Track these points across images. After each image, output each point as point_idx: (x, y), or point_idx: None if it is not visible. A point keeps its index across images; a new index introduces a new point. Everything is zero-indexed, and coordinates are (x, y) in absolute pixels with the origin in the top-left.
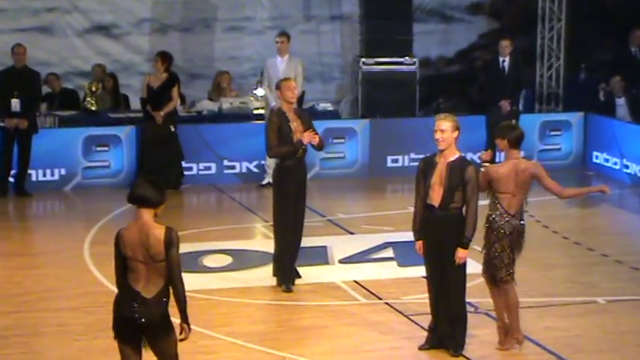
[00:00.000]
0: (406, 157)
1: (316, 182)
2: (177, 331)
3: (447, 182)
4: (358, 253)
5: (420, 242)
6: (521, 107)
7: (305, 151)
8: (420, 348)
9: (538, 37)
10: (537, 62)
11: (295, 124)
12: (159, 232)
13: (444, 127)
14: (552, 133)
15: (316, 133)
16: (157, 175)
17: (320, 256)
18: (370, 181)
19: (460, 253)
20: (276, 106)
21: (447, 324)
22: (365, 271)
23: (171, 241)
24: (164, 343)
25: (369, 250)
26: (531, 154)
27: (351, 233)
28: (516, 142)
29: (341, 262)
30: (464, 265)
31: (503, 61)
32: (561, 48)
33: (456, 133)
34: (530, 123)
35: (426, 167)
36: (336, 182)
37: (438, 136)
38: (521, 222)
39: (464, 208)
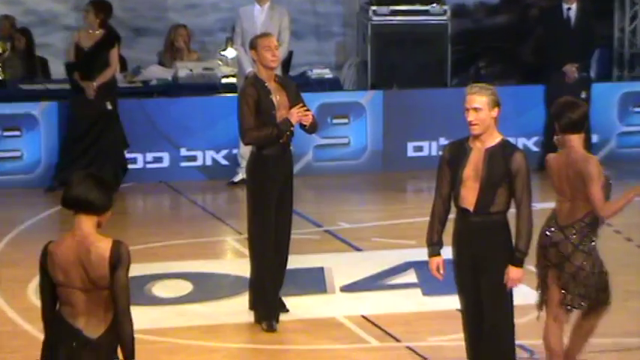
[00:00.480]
0: (434, 143)
1: (309, 178)
2: None
3: (486, 176)
4: (368, 278)
5: (438, 260)
6: (593, 74)
7: (292, 135)
8: None
9: None
10: (616, 11)
11: (279, 98)
12: (103, 246)
13: (479, 103)
14: (637, 109)
15: (308, 110)
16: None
17: (315, 282)
18: (384, 178)
19: (513, 273)
20: (251, 73)
21: None
22: (377, 303)
23: (119, 260)
24: None
25: (383, 274)
26: (608, 139)
27: (358, 250)
28: (571, 126)
29: (344, 289)
30: (511, 292)
31: (569, 9)
32: None
33: (496, 110)
34: (607, 95)
35: (455, 156)
36: (337, 178)
37: (471, 117)
38: (571, 238)
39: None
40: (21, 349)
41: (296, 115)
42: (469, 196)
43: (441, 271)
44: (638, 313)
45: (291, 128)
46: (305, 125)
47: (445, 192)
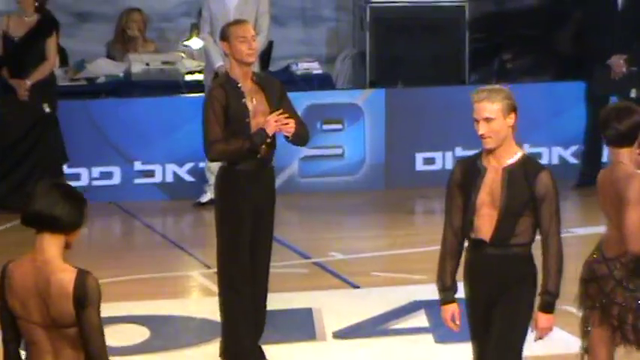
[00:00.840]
0: (448, 154)
1: (293, 198)
2: None
3: (506, 202)
4: (366, 321)
5: (453, 308)
6: None
7: (273, 148)
8: None
9: None
10: None
11: (255, 102)
12: (66, 278)
13: (490, 112)
14: None
15: (291, 116)
16: (12, 191)
17: (302, 326)
18: (387, 197)
19: (542, 320)
20: (222, 69)
21: None
22: (378, 352)
23: (85, 296)
24: None
25: (386, 316)
26: None
27: (355, 286)
28: (617, 139)
29: (337, 335)
30: (523, 340)
31: None
32: None
33: (512, 117)
34: None
35: (467, 177)
36: (328, 198)
37: (482, 129)
38: (615, 272)
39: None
40: None
41: (273, 123)
42: (485, 226)
43: (457, 322)
44: None
45: (268, 140)
46: (287, 136)
47: (457, 222)
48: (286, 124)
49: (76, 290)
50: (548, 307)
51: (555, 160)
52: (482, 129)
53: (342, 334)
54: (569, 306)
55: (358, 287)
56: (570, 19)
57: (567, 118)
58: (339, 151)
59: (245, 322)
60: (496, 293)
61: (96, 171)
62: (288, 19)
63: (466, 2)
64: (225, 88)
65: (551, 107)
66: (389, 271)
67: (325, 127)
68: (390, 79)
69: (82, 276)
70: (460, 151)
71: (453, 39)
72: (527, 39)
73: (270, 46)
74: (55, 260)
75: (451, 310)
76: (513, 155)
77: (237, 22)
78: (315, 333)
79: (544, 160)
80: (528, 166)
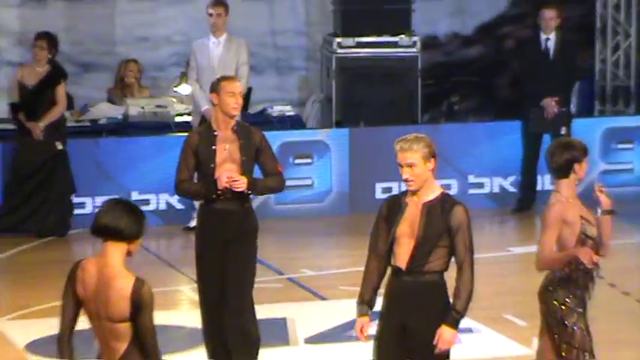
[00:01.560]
0: (403, 184)
1: (269, 222)
2: None
3: (422, 232)
4: (334, 329)
5: (364, 320)
6: (573, 108)
7: (247, 194)
8: None
9: (598, 5)
10: (597, 41)
11: (228, 150)
12: (125, 285)
13: (412, 159)
14: (620, 145)
15: (269, 168)
16: (27, 218)
17: (277, 334)
18: (351, 221)
19: (445, 334)
20: (208, 112)
21: None
22: (345, 355)
23: (141, 302)
24: None
25: (351, 324)
26: (590, 179)
27: (323, 299)
28: (554, 172)
29: (309, 341)
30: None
31: (547, 39)
32: (632, 20)
33: (432, 162)
34: (588, 131)
35: (391, 211)
36: (300, 222)
37: (405, 174)
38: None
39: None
40: None
41: (224, 179)
42: (403, 254)
43: (366, 334)
44: None
45: (218, 192)
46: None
47: (382, 249)
48: (236, 180)
49: (133, 295)
50: (454, 323)
51: (496, 189)
52: (405, 174)
53: (312, 340)
54: (509, 315)
55: (326, 299)
56: (508, 67)
57: (506, 153)
58: (308, 181)
59: (212, 334)
60: (410, 320)
61: (99, 200)
62: (265, 68)
63: (419, 53)
64: (201, 134)
65: (493, 143)
66: (353, 285)
67: (297, 161)
68: (353, 119)
69: (138, 284)
70: None
71: (407, 85)
72: (472, 84)
73: (249, 91)
74: (116, 266)
75: (361, 322)
76: (433, 193)
77: (228, 78)
78: (289, 339)
79: (486, 189)
80: (446, 202)
